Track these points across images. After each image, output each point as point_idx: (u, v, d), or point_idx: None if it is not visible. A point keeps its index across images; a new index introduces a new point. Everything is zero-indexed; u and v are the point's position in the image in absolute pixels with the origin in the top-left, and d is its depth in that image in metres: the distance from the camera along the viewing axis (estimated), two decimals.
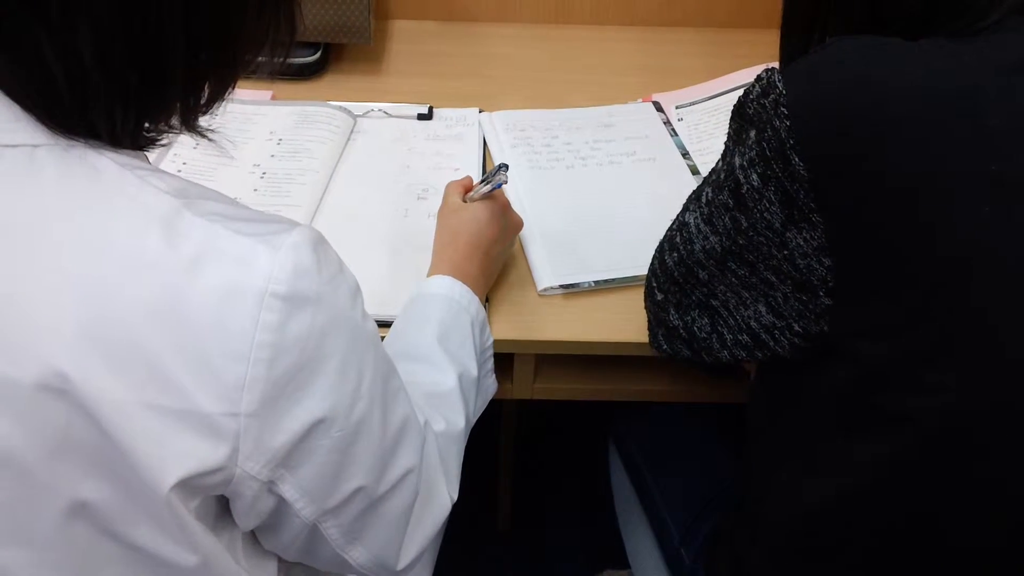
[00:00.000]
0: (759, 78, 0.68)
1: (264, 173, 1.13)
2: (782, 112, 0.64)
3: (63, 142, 0.55)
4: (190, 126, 0.61)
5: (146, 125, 0.58)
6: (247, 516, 0.61)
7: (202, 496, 0.58)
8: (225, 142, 0.64)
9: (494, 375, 0.94)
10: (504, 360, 1.02)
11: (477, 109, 1.27)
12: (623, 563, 1.19)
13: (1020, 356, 0.62)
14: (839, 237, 0.64)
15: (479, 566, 1.59)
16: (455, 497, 0.78)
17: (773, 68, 0.68)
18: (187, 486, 0.55)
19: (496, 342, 0.96)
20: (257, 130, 1.19)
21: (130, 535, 0.56)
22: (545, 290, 1.01)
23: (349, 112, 1.23)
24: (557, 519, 1.69)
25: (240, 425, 0.54)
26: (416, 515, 0.72)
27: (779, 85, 0.65)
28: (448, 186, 0.99)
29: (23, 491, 0.54)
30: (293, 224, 0.58)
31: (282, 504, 0.61)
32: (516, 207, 1.10)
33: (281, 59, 0.63)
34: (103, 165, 0.55)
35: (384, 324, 0.94)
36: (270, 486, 0.59)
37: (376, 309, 0.96)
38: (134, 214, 0.54)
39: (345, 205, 1.11)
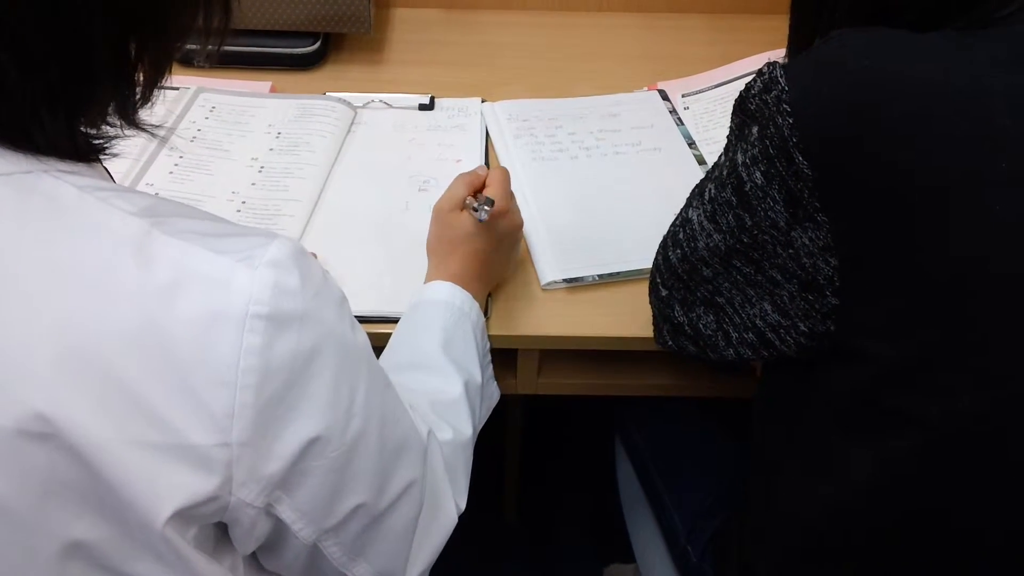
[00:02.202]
0: (760, 72, 0.66)
1: (262, 167, 1.12)
2: (784, 109, 0.63)
3: (15, 169, 0.52)
4: (129, 120, 0.58)
5: (82, 129, 0.55)
6: (246, 541, 0.59)
7: (199, 525, 0.56)
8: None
9: (495, 381, 0.92)
10: (508, 355, 1.01)
11: (479, 99, 1.26)
12: (629, 557, 1.19)
13: None
14: (845, 237, 0.63)
15: (486, 560, 1.59)
16: (463, 506, 0.76)
17: (775, 62, 0.66)
18: (182, 517, 0.53)
19: (499, 337, 0.95)
20: (255, 123, 1.18)
21: (129, 571, 0.55)
22: (549, 284, 0.99)
23: (349, 104, 1.21)
24: (563, 513, 1.68)
25: (232, 454, 0.53)
26: (422, 527, 0.70)
27: (781, 81, 0.63)
28: (456, 180, 0.95)
29: (15, 537, 0.52)
30: (271, 237, 0.55)
31: (280, 526, 0.60)
32: (519, 199, 1.08)
33: (217, 47, 0.60)
34: (62, 192, 0.53)
35: (386, 320, 0.93)
36: (267, 509, 0.57)
37: (378, 305, 0.95)
38: (102, 241, 0.52)
39: (345, 199, 1.09)
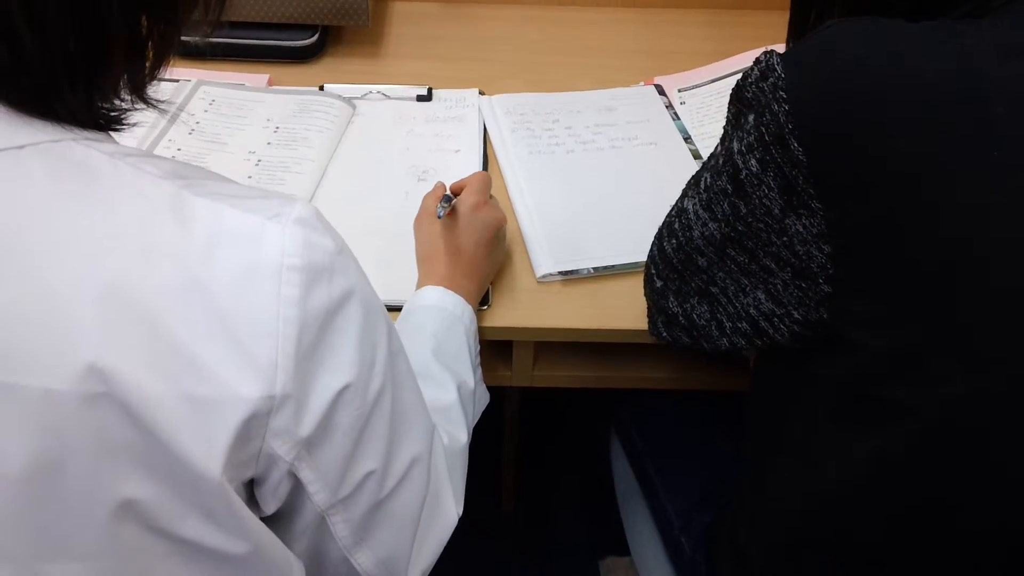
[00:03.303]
0: (757, 61, 0.67)
1: (259, 161, 1.12)
2: (780, 96, 0.63)
3: (45, 138, 0.53)
4: (140, 95, 0.59)
5: (100, 102, 0.56)
6: (271, 499, 0.60)
7: (239, 480, 0.57)
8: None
9: (484, 385, 0.92)
10: (503, 347, 1.02)
11: (477, 90, 1.26)
12: (626, 551, 1.19)
13: None
14: (839, 224, 0.63)
15: (482, 553, 1.59)
16: (460, 513, 0.77)
17: (772, 51, 0.66)
18: (232, 469, 0.54)
19: (495, 329, 0.95)
20: (254, 116, 1.18)
21: (178, 529, 0.55)
22: (544, 276, 0.99)
23: (348, 101, 1.21)
24: (560, 506, 1.68)
25: (274, 405, 0.54)
26: (424, 526, 0.70)
27: (778, 68, 0.64)
28: (425, 198, 0.98)
29: (68, 503, 0.52)
30: (292, 198, 0.57)
31: (297, 489, 0.60)
32: (515, 192, 1.09)
33: (216, 16, 0.61)
34: (94, 159, 0.54)
35: (391, 308, 0.92)
36: (291, 467, 0.58)
37: (385, 294, 0.94)
38: (138, 203, 0.53)
39: (343, 189, 1.10)
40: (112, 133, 0.58)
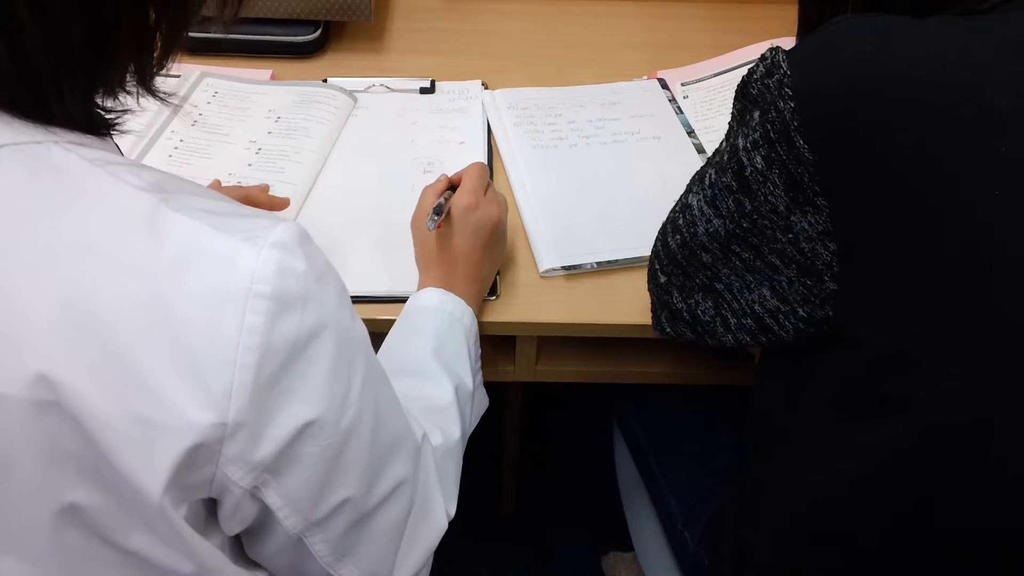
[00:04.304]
0: (763, 57, 0.67)
1: (260, 149, 1.12)
2: (786, 93, 0.63)
3: (26, 139, 0.52)
4: (147, 87, 0.57)
5: (99, 100, 0.55)
6: (231, 521, 0.59)
7: (190, 501, 0.56)
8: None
9: (484, 389, 0.92)
10: (506, 342, 1.02)
11: (480, 81, 1.26)
12: (628, 546, 1.19)
13: None
14: (844, 221, 0.63)
15: (484, 549, 1.59)
16: (452, 514, 0.76)
17: (778, 47, 0.66)
18: (176, 490, 0.53)
19: (497, 324, 0.95)
20: (256, 108, 1.18)
21: (125, 541, 0.55)
22: (547, 271, 0.99)
23: (350, 93, 1.21)
24: (562, 502, 1.68)
25: (226, 433, 0.52)
26: (410, 531, 0.69)
27: (783, 65, 0.64)
28: (423, 191, 0.95)
29: (16, 499, 0.52)
30: (277, 220, 0.55)
31: (266, 511, 0.59)
32: (518, 187, 1.09)
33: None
34: (72, 164, 0.53)
35: (396, 300, 0.92)
36: (253, 491, 0.57)
37: (392, 285, 0.96)
38: (111, 214, 0.51)
39: (346, 180, 1.10)
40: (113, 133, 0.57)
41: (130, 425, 0.51)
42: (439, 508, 0.74)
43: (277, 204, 1.02)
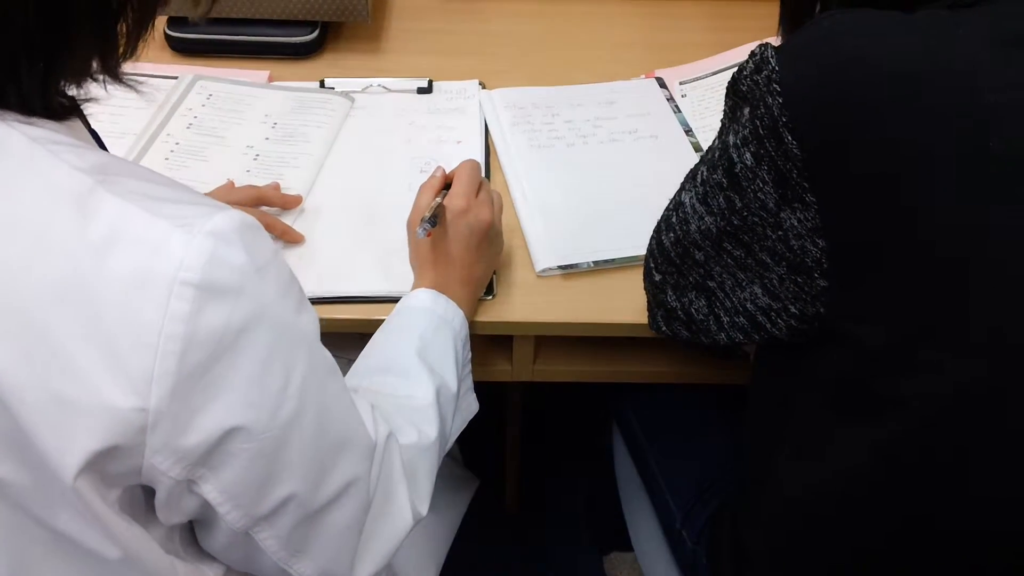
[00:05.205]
0: (752, 54, 0.67)
1: (257, 155, 1.12)
2: (775, 89, 0.63)
3: None
4: (113, 73, 0.57)
5: (60, 86, 0.55)
6: (166, 512, 0.58)
7: (121, 487, 0.55)
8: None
9: (474, 394, 0.91)
10: (503, 342, 1.01)
11: (477, 81, 1.26)
12: (629, 546, 1.19)
13: (1019, 339, 0.61)
14: (833, 217, 0.63)
15: (486, 549, 1.59)
16: (423, 512, 0.75)
17: (767, 44, 0.66)
18: (97, 475, 0.53)
19: (494, 323, 0.95)
20: (252, 112, 1.18)
21: (54, 521, 0.55)
22: (544, 270, 0.99)
23: (346, 95, 1.21)
24: (563, 502, 1.68)
25: (147, 420, 0.52)
26: (369, 528, 0.68)
27: (772, 61, 0.64)
28: (420, 189, 0.94)
29: None
30: (219, 208, 0.54)
31: (207, 506, 0.58)
32: (515, 187, 1.09)
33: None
34: (12, 140, 0.52)
35: (393, 301, 0.92)
36: (189, 485, 0.56)
37: (390, 285, 0.96)
38: (43, 193, 0.51)
39: (344, 181, 1.10)
40: (102, 133, 0.57)
41: (50, 404, 0.50)
42: (403, 507, 0.72)
43: (290, 202, 1.03)
